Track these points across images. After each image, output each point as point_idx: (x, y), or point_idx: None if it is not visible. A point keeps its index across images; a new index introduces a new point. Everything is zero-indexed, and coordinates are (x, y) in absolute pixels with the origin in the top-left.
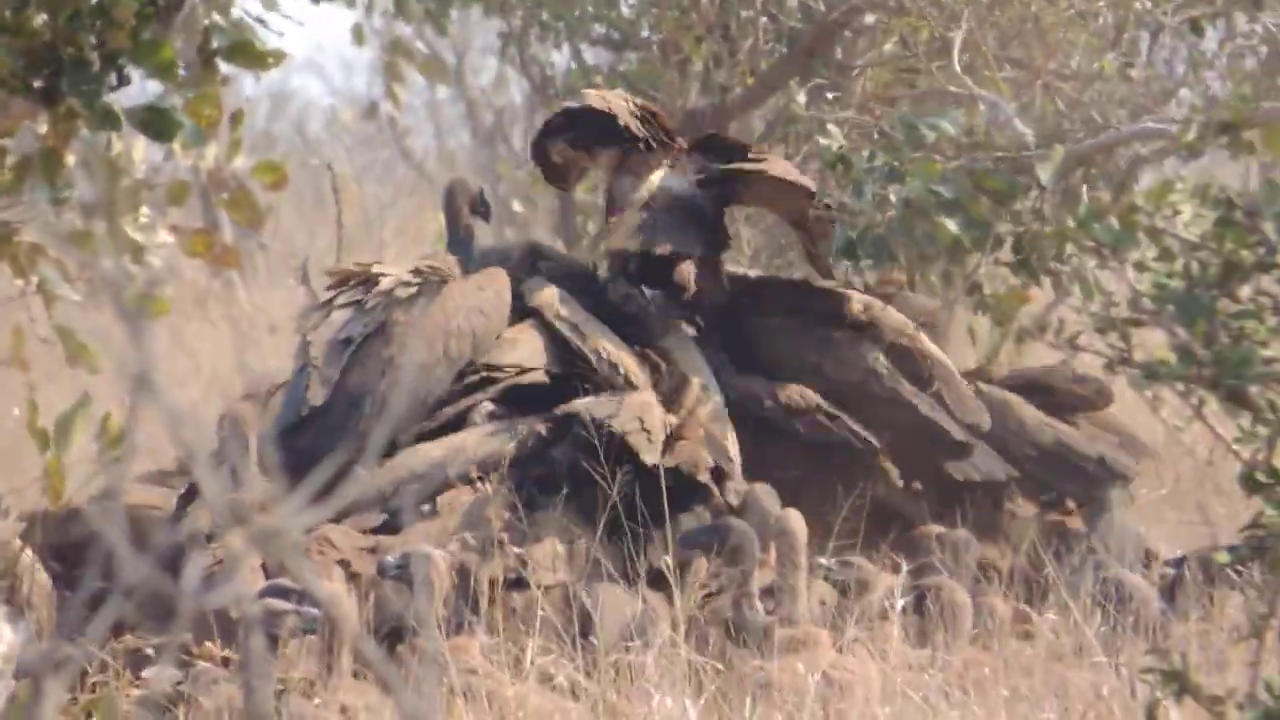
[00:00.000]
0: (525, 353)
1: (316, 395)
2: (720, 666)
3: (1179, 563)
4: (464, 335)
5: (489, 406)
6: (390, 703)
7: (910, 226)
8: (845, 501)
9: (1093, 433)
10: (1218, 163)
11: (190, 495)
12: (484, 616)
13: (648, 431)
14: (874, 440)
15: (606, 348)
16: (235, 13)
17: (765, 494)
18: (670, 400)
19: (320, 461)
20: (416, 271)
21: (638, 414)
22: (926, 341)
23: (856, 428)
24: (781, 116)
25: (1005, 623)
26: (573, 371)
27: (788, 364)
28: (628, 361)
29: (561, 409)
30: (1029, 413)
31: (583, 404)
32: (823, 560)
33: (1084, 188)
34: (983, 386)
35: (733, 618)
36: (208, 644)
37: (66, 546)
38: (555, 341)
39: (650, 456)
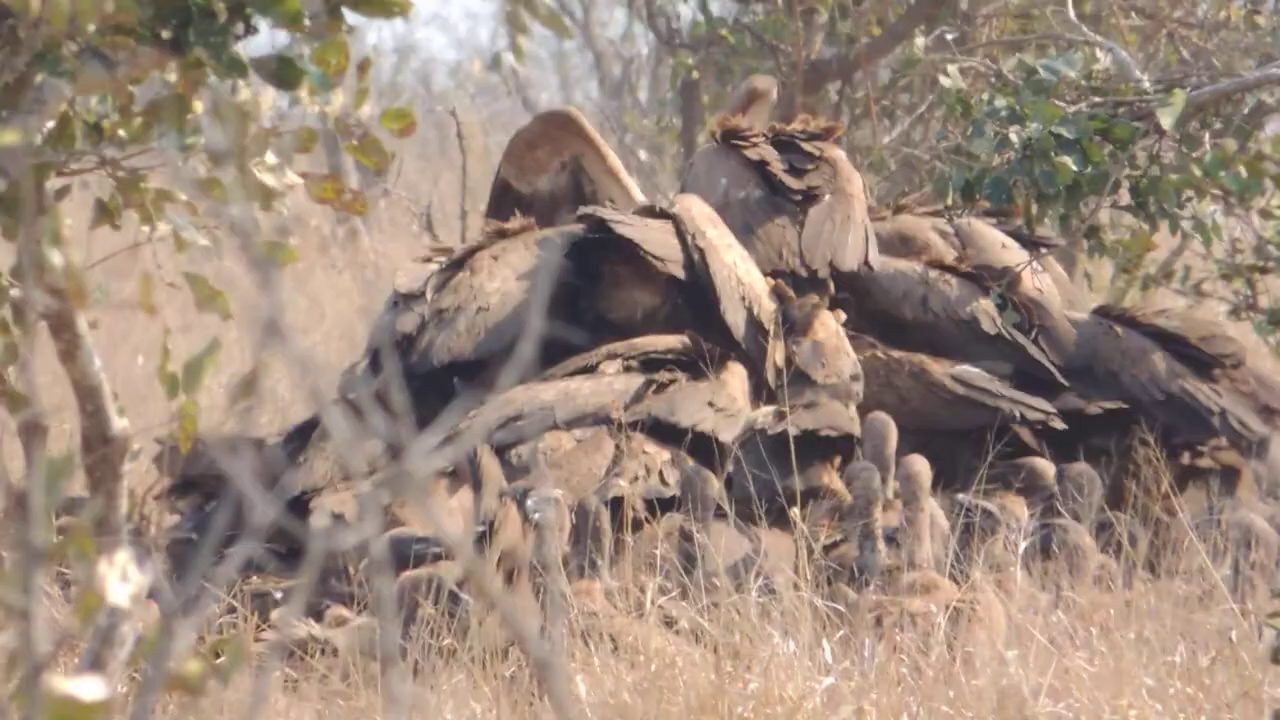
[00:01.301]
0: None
1: (406, 322)
2: (842, 609)
3: None
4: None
5: (618, 363)
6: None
7: (1030, 167)
8: (969, 440)
9: (1228, 388)
10: None
11: (304, 437)
12: (606, 558)
13: (723, 409)
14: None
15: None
16: None
17: (884, 424)
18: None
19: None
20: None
21: (708, 398)
22: (1028, 282)
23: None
24: (906, 67)
25: (1120, 570)
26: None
27: (893, 304)
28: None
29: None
30: (1159, 360)
31: (654, 406)
32: (960, 496)
33: (1205, 135)
34: (1119, 330)
35: (856, 559)
36: (334, 582)
37: (196, 485)
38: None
39: (728, 434)
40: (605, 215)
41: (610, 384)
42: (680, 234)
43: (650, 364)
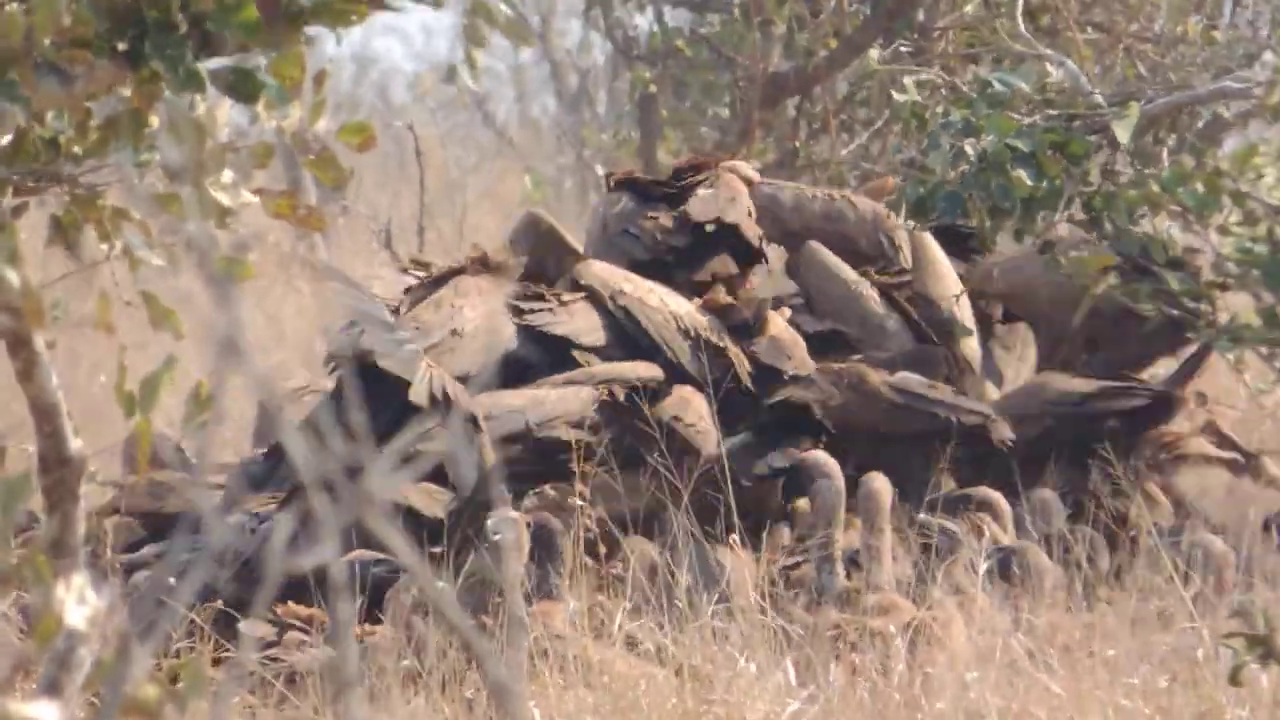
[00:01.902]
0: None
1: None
2: (801, 631)
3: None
4: None
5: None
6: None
7: (985, 180)
8: (919, 453)
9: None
10: None
11: (275, 459)
12: (568, 581)
13: (692, 424)
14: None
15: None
16: None
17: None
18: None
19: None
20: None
21: (674, 412)
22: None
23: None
24: (863, 80)
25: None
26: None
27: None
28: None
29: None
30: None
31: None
32: (921, 516)
33: (1162, 150)
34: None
35: (815, 582)
36: (293, 605)
37: (153, 511)
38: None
39: (705, 445)
40: (533, 321)
41: (577, 393)
42: (597, 301)
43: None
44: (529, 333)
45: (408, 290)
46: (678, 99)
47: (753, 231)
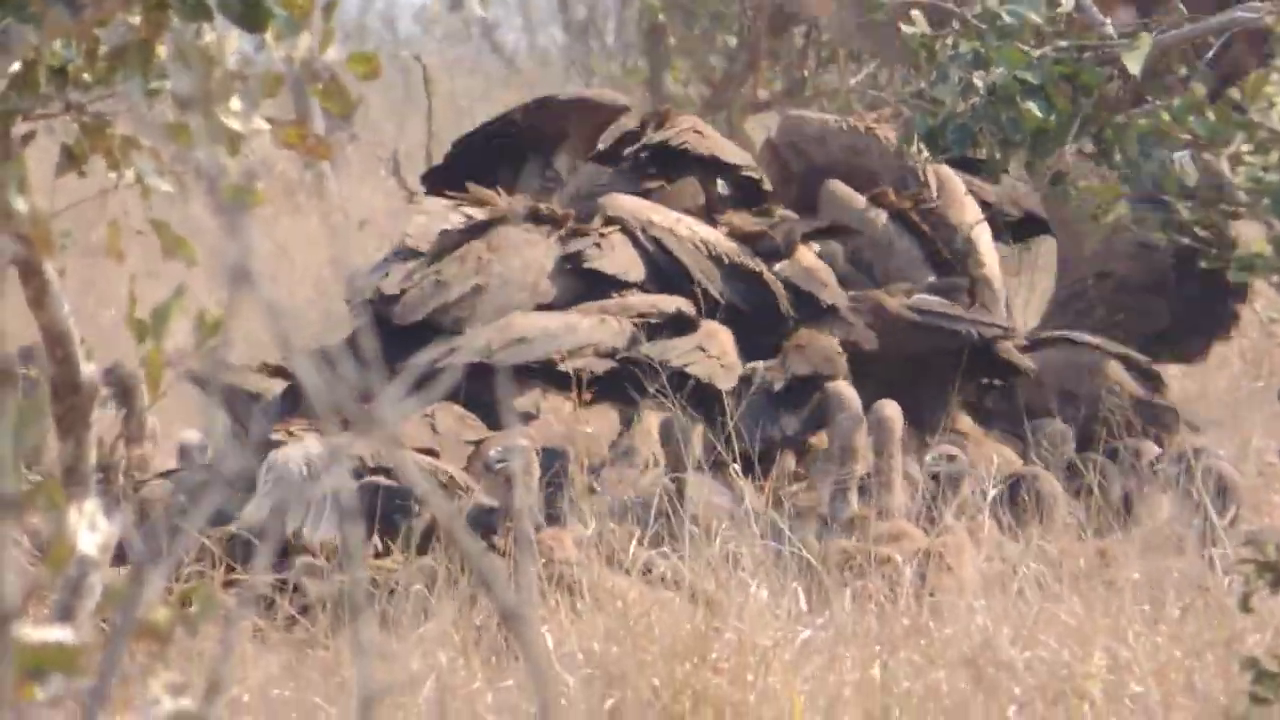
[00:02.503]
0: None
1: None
2: (811, 558)
3: None
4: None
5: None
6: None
7: (995, 113)
8: (942, 390)
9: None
10: None
11: (292, 390)
12: (578, 507)
13: (716, 357)
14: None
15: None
16: None
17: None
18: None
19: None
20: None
21: (698, 343)
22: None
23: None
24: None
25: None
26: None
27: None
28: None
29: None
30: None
31: (646, 348)
32: (929, 456)
33: (1171, 76)
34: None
35: (827, 509)
36: (305, 531)
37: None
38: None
39: (724, 382)
40: (578, 255)
41: (610, 324)
42: (628, 232)
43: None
44: (571, 267)
45: (443, 233)
46: (686, 28)
47: (738, 158)
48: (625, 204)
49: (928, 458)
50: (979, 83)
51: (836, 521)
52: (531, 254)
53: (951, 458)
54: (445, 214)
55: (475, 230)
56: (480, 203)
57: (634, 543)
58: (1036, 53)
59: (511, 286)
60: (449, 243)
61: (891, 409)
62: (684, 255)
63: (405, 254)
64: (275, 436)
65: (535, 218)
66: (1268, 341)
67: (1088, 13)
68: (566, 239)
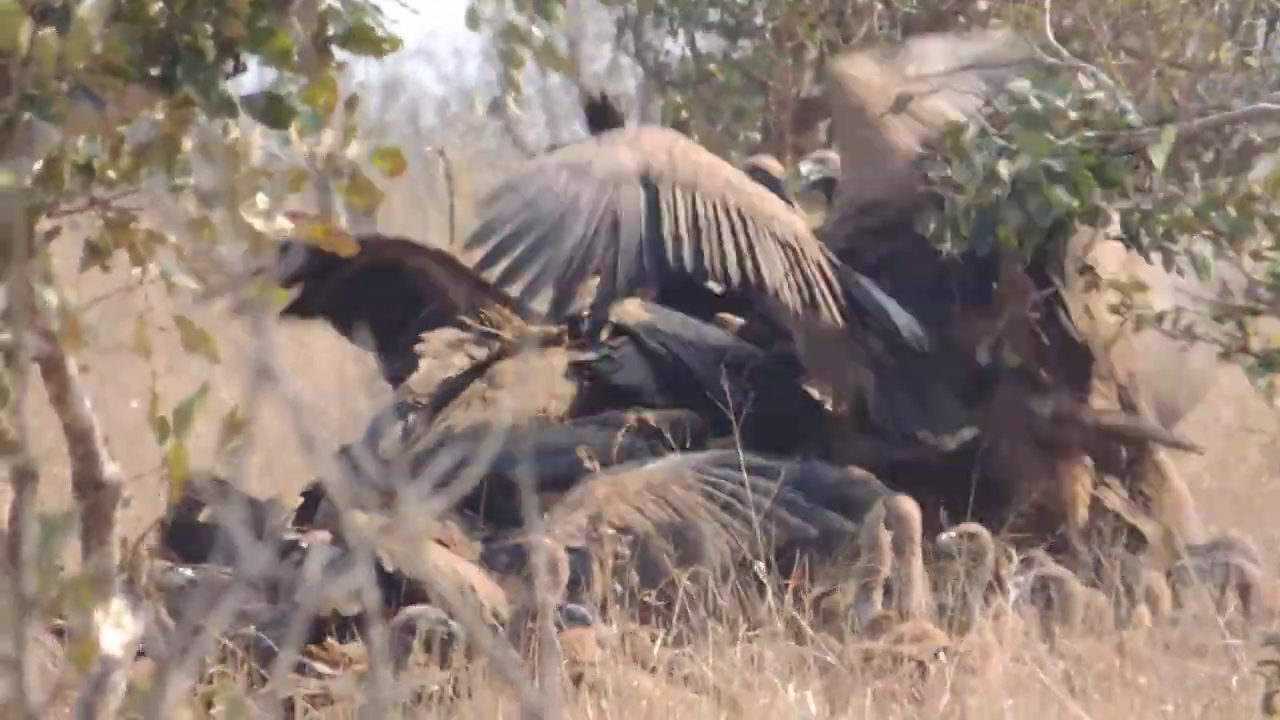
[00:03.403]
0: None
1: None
2: (832, 659)
3: None
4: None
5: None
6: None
7: (1021, 200)
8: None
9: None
10: None
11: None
12: (602, 606)
13: None
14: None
15: None
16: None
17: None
18: None
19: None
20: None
21: None
22: None
23: None
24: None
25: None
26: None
27: None
28: None
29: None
30: None
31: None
32: (943, 535)
33: (1194, 171)
34: None
35: (852, 610)
36: (330, 641)
37: (188, 536)
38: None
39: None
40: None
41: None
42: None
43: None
44: (583, 377)
45: (444, 381)
46: (709, 124)
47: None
48: (630, 309)
49: (943, 536)
50: (1004, 172)
51: (860, 621)
52: (537, 382)
53: (973, 535)
54: (449, 356)
55: (477, 371)
56: (490, 332)
57: (658, 643)
58: (1062, 142)
59: (521, 414)
60: (451, 389)
61: (909, 505)
62: (695, 363)
63: (405, 408)
64: (291, 537)
65: (544, 341)
66: None
67: (1113, 96)
68: (580, 358)
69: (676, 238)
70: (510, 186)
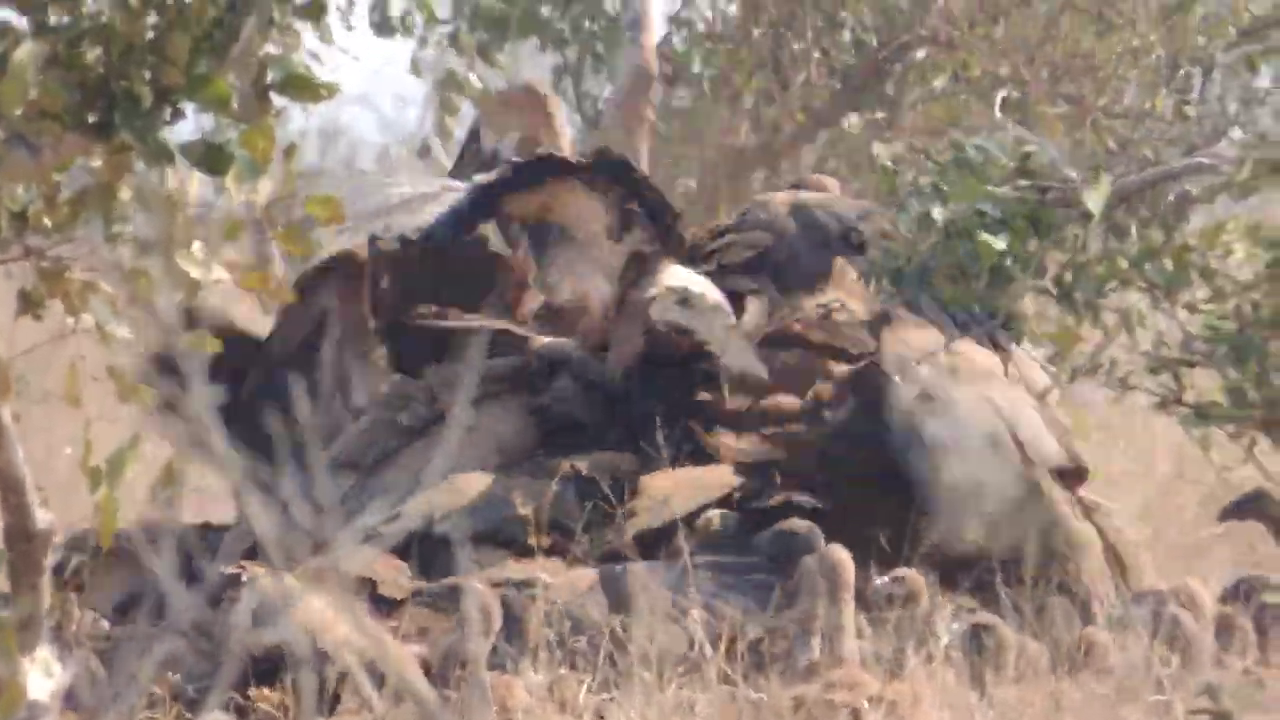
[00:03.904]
0: None
1: None
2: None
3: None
4: None
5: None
6: None
7: (954, 247)
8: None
9: None
10: (1270, 202)
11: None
12: (529, 652)
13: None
14: None
15: None
16: (289, 46)
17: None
18: None
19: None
20: None
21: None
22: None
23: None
24: (834, 145)
25: (1040, 661)
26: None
27: None
28: None
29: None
30: None
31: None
32: (877, 580)
33: (1132, 224)
34: None
35: (790, 655)
36: (263, 690)
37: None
38: None
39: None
40: None
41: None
42: None
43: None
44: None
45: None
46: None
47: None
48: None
49: (877, 581)
50: (937, 216)
51: (794, 667)
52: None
53: (900, 579)
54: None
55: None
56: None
57: (584, 689)
58: (999, 191)
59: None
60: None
61: (842, 553)
62: None
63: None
64: (231, 571)
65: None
66: (1224, 488)
67: (1051, 159)
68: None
69: None
70: None
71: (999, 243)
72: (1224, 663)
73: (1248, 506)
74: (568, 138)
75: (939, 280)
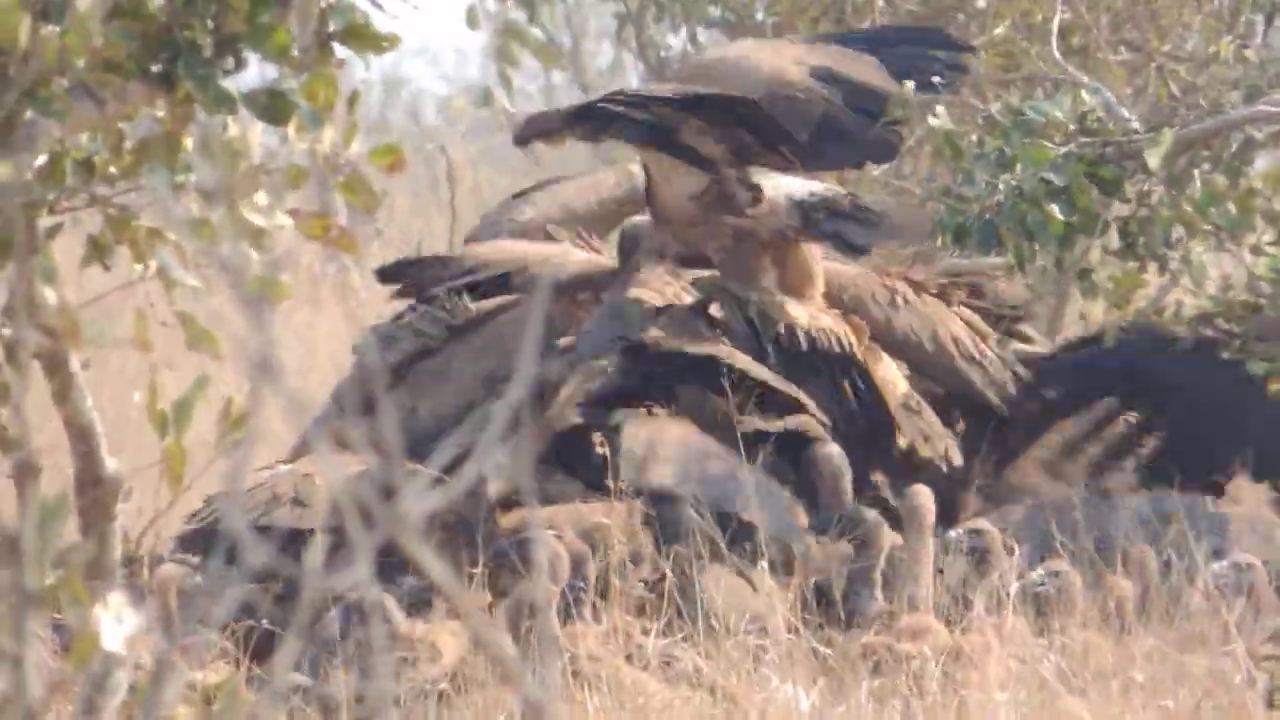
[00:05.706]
0: None
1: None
2: (830, 652)
3: None
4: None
5: None
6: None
7: (1021, 214)
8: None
9: None
10: None
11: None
12: (600, 600)
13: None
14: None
15: None
16: None
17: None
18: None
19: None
20: None
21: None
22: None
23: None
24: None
25: (1126, 604)
26: None
27: None
28: None
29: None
30: None
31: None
32: (953, 531)
33: (1195, 172)
34: None
35: (849, 604)
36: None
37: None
38: None
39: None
40: None
41: None
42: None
43: None
44: None
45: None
46: None
47: None
48: None
49: (952, 533)
50: (1003, 185)
51: (858, 616)
52: None
53: (978, 532)
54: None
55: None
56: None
57: (651, 636)
58: (1061, 150)
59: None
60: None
61: (924, 497)
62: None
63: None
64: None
65: None
66: None
67: (1113, 110)
68: None
69: None
70: None
71: (1062, 212)
72: None
73: None
74: None
75: (1006, 239)
